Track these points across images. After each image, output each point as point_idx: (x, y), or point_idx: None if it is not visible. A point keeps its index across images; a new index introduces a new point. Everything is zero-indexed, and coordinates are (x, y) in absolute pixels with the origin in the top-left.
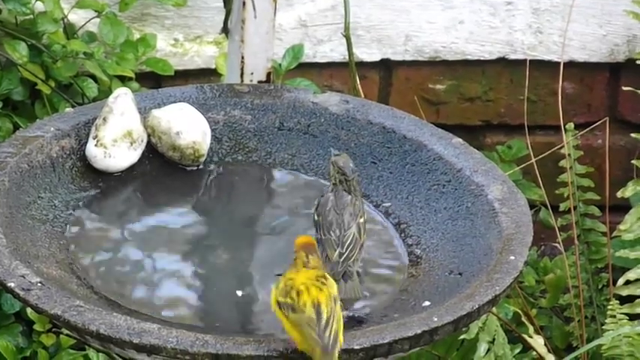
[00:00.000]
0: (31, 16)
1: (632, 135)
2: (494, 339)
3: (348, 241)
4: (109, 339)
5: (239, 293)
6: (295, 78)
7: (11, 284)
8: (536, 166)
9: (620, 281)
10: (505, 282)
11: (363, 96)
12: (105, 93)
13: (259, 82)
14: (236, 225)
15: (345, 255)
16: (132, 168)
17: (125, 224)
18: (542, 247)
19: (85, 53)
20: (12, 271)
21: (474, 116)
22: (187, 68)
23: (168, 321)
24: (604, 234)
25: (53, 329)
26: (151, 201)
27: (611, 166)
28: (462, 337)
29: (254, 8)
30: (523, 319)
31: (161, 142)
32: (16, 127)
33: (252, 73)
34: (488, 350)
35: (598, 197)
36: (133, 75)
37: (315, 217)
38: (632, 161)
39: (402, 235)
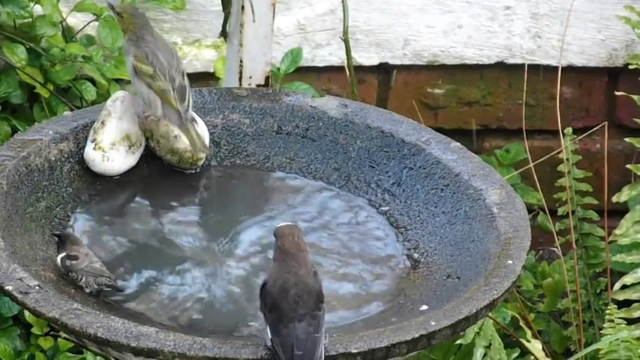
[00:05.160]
0: (30, 20)
1: (627, 139)
2: (490, 344)
3: (186, 88)
4: (107, 342)
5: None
6: (294, 82)
7: (9, 287)
8: (534, 171)
9: (617, 286)
10: (503, 286)
11: (360, 100)
12: (103, 96)
13: (258, 85)
14: (234, 228)
15: (188, 102)
16: (130, 171)
17: (123, 227)
18: (540, 252)
19: (83, 56)
20: (10, 274)
21: (472, 120)
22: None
23: (166, 324)
24: (602, 238)
25: (51, 332)
26: (149, 204)
27: (609, 170)
28: (458, 341)
29: (253, 12)
30: (521, 323)
31: (159, 145)
32: (15, 131)
33: (250, 77)
34: (485, 355)
35: (596, 202)
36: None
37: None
38: (627, 166)
39: (401, 239)
